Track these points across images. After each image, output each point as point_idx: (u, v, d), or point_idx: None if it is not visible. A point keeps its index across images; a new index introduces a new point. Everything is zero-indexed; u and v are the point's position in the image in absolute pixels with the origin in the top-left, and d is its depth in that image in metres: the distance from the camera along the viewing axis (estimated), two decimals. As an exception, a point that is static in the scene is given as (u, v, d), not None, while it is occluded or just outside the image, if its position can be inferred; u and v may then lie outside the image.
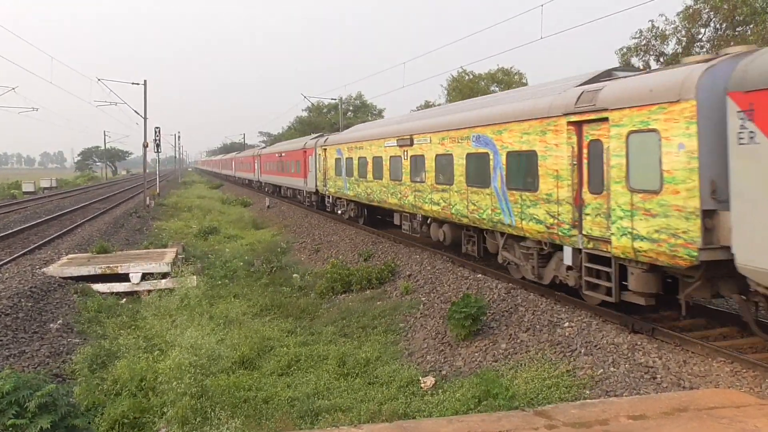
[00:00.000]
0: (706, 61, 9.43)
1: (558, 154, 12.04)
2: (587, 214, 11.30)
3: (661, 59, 27.67)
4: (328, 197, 31.27)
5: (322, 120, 72.59)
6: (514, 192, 13.53)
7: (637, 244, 10.00)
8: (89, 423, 9.71)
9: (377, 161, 22.68)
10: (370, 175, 23.57)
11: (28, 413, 8.93)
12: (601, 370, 9.69)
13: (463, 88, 46.95)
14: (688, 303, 10.01)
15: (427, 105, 50.42)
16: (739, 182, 8.36)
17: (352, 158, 25.95)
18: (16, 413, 8.88)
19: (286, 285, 19.87)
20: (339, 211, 29.73)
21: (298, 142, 40.36)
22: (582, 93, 11.46)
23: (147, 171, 48.65)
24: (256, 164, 59.30)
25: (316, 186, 33.05)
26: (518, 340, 11.77)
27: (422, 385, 11.12)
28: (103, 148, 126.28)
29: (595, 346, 10.44)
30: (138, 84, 46.41)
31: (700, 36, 26.99)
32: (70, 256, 21.44)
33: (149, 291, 18.40)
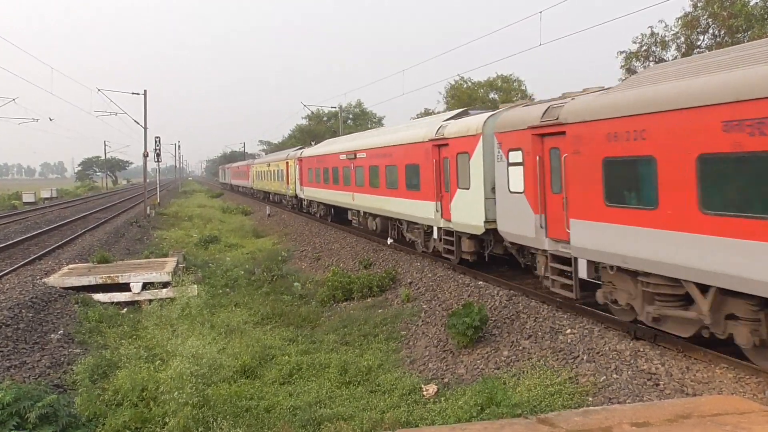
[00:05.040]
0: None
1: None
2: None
3: (660, 65, 27.68)
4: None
5: (322, 128, 72.58)
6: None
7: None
8: (90, 434, 9.69)
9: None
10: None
11: (29, 424, 8.91)
12: (604, 377, 9.67)
13: (462, 95, 46.94)
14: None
15: (426, 113, 50.42)
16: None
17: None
18: (17, 424, 8.87)
19: (287, 293, 19.86)
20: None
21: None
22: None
23: (147, 180, 48.67)
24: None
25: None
26: (520, 347, 11.75)
27: (424, 392, 11.08)
28: (103, 158, 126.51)
29: (598, 352, 10.41)
30: (138, 94, 46.47)
31: (699, 42, 27.07)
32: (71, 266, 21.41)
33: (150, 300, 18.35)
